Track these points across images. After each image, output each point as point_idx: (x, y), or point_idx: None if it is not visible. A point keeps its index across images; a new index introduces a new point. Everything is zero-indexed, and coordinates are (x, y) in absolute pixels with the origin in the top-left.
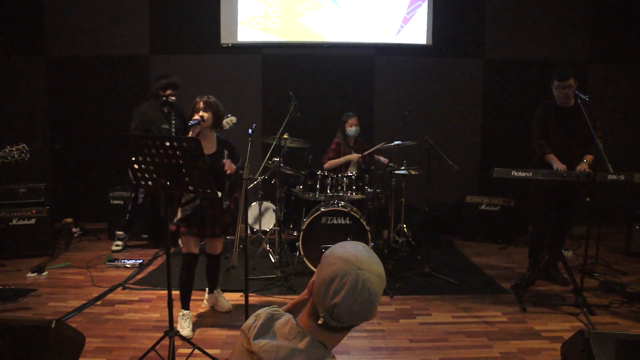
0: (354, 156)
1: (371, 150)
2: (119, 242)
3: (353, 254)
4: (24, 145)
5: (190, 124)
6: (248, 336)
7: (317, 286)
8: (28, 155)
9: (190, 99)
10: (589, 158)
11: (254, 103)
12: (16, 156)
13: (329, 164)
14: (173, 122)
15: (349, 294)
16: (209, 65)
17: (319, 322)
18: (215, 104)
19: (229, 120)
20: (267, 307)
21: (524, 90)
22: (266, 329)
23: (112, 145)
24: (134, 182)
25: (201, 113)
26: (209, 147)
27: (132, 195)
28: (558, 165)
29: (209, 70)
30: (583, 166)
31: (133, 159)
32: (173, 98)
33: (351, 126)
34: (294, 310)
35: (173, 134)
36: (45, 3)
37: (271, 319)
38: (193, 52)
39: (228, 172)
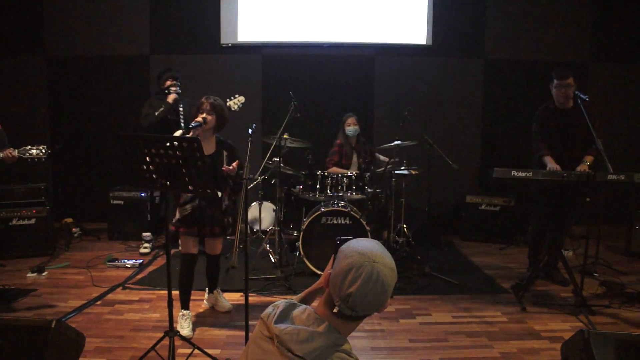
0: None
1: (374, 156)
2: (147, 245)
3: (369, 248)
4: (45, 146)
5: (191, 125)
6: (267, 322)
7: (334, 276)
8: (45, 157)
9: (191, 98)
10: (588, 159)
11: (254, 103)
12: (34, 154)
13: (333, 170)
14: (181, 111)
15: (363, 284)
16: (209, 65)
17: (334, 310)
18: (221, 107)
19: (237, 101)
20: (284, 300)
21: (524, 90)
22: (285, 316)
23: (112, 145)
24: (136, 182)
25: (205, 115)
26: (209, 147)
27: (149, 194)
28: (552, 165)
29: (209, 70)
30: (583, 167)
31: (133, 158)
32: (174, 89)
33: (349, 125)
34: (307, 298)
35: (182, 124)
36: (45, 3)
37: (289, 308)
38: (193, 52)
39: (224, 170)
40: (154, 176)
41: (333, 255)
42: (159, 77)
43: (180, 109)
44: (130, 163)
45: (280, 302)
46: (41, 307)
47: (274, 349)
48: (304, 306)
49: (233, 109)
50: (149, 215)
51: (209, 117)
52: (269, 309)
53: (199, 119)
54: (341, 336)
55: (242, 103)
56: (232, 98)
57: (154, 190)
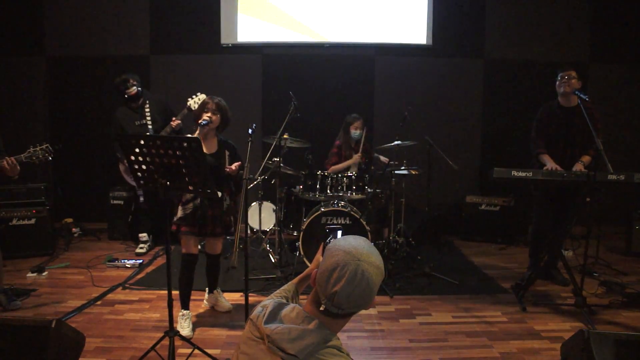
0: (356, 158)
1: (373, 157)
2: (143, 245)
3: (354, 247)
4: (48, 145)
5: (201, 123)
6: (257, 323)
7: (320, 275)
8: (52, 155)
9: (160, 94)
10: (585, 159)
11: (254, 103)
12: (40, 156)
13: (332, 169)
14: (147, 113)
15: (348, 283)
16: (209, 65)
17: (321, 308)
18: (225, 108)
19: (198, 99)
20: (271, 298)
21: (524, 90)
22: (274, 315)
23: (112, 146)
24: (133, 184)
25: (210, 114)
26: (210, 147)
27: (132, 195)
28: (551, 165)
29: (209, 70)
30: (578, 166)
31: (133, 158)
32: (129, 90)
33: (356, 129)
34: (302, 283)
35: (149, 127)
36: (45, 3)
37: (278, 308)
38: (193, 52)
39: (228, 171)
40: (155, 176)
41: (322, 244)
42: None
43: (147, 108)
44: (130, 163)
45: (268, 301)
46: (41, 307)
47: (265, 350)
48: (292, 305)
49: (194, 108)
50: (130, 217)
51: (214, 117)
52: (258, 310)
53: (205, 117)
54: (331, 332)
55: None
56: (193, 97)
57: (148, 189)
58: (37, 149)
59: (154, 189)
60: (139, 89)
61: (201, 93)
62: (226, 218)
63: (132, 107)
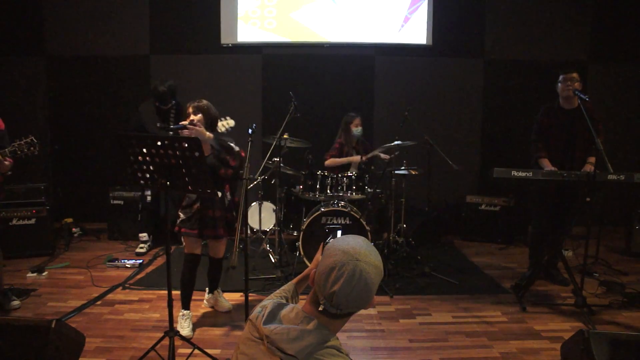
0: (356, 158)
1: (372, 154)
2: (143, 245)
3: (352, 246)
4: (32, 137)
5: (172, 126)
6: (256, 324)
7: (318, 275)
8: (37, 149)
9: (191, 99)
10: (592, 159)
11: (254, 103)
12: (25, 150)
13: (331, 161)
14: (172, 116)
15: (346, 282)
16: (209, 65)
17: (320, 308)
18: (206, 106)
19: (226, 123)
20: (271, 298)
21: (524, 90)
22: (273, 316)
23: (112, 145)
24: (133, 182)
25: (191, 117)
26: (205, 148)
27: (140, 194)
28: (550, 169)
29: (209, 70)
30: (588, 167)
31: (132, 158)
32: (165, 107)
33: (357, 126)
34: (301, 283)
35: (170, 132)
36: (45, 3)
37: (277, 308)
38: (193, 52)
39: (186, 123)
40: (155, 176)
41: (322, 243)
42: (154, 83)
43: (172, 113)
44: (130, 163)
45: (267, 302)
46: (41, 307)
47: (264, 350)
48: (291, 305)
49: (220, 130)
50: (139, 215)
51: (196, 118)
52: (257, 310)
53: (185, 122)
54: (330, 332)
55: (231, 127)
56: (222, 119)
57: (148, 189)
58: (22, 142)
59: (154, 188)
60: (174, 101)
61: (230, 118)
62: (228, 214)
63: (159, 108)
